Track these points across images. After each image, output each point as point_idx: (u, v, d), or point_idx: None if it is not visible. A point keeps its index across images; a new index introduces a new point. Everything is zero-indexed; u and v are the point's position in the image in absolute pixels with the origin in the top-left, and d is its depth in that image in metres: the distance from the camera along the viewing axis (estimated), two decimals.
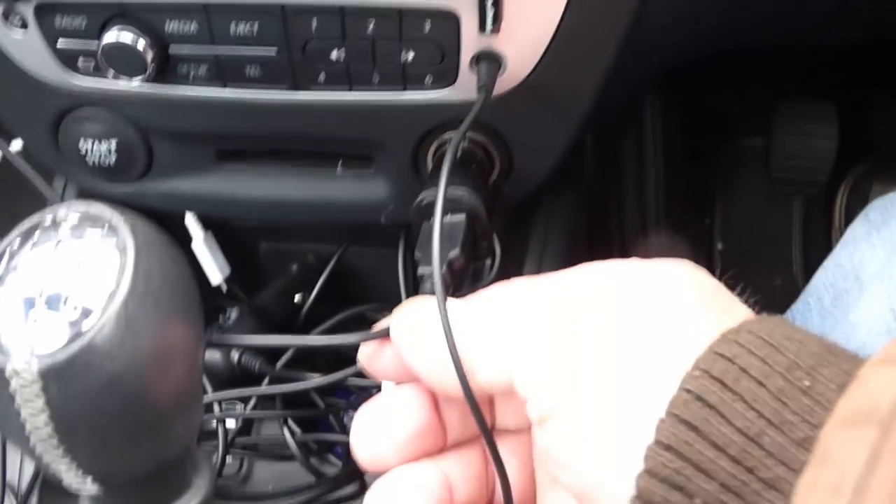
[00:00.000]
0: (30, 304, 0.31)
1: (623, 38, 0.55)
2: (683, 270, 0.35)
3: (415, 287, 0.72)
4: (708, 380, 0.30)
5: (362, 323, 0.81)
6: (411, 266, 0.72)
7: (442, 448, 0.39)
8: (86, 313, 0.31)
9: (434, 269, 0.39)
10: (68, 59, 0.56)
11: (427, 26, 0.52)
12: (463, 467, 0.39)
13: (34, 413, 0.31)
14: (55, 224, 0.33)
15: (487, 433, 0.36)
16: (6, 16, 0.54)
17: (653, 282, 0.35)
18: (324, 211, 0.66)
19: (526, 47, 0.54)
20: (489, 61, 0.53)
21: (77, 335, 0.31)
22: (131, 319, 0.32)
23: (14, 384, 0.30)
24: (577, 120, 0.60)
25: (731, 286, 0.35)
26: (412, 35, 0.53)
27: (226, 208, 0.66)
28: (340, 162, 0.64)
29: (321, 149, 0.63)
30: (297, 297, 0.81)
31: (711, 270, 0.35)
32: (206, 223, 0.78)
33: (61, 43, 0.55)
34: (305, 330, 0.79)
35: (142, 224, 0.35)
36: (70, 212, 0.34)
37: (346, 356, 0.74)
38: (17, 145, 0.67)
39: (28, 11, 0.53)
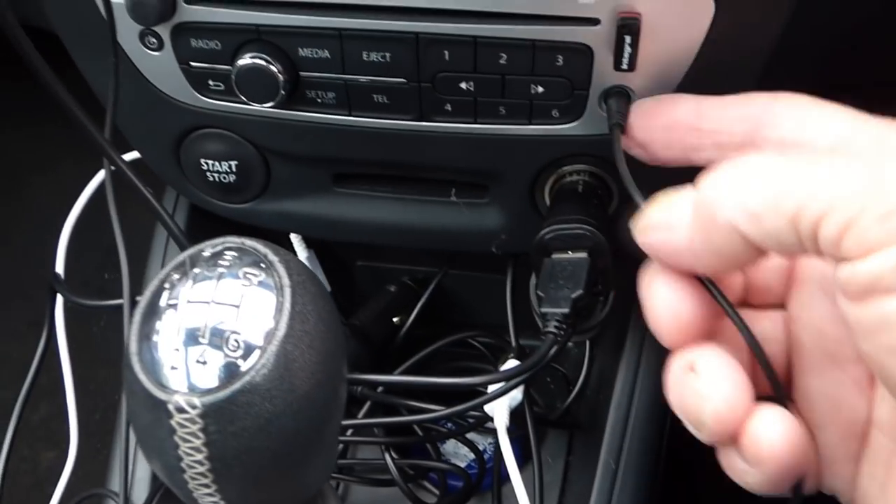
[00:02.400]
0: (192, 339, 0.31)
1: (756, 80, 0.53)
2: None
3: (516, 318, 0.71)
4: None
5: (464, 348, 0.81)
6: (519, 297, 0.71)
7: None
8: (246, 353, 0.31)
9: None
10: (199, 81, 0.56)
11: (560, 60, 0.52)
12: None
13: (192, 450, 0.31)
14: (213, 259, 0.33)
15: (738, 317, 0.39)
16: (142, 37, 0.54)
17: None
18: (435, 237, 0.65)
19: (657, 84, 0.52)
20: (619, 97, 0.52)
21: (237, 374, 0.31)
22: (289, 359, 0.32)
23: (175, 420, 0.30)
24: None
25: None
26: (543, 69, 0.52)
27: (337, 231, 0.66)
28: (454, 189, 0.64)
29: (437, 176, 0.63)
30: (395, 319, 0.81)
31: None
32: (307, 240, 0.78)
33: (194, 65, 0.55)
34: (405, 352, 0.78)
35: (294, 261, 0.35)
36: (225, 247, 0.34)
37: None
38: (127, 157, 0.68)
39: (165, 33, 0.54)
